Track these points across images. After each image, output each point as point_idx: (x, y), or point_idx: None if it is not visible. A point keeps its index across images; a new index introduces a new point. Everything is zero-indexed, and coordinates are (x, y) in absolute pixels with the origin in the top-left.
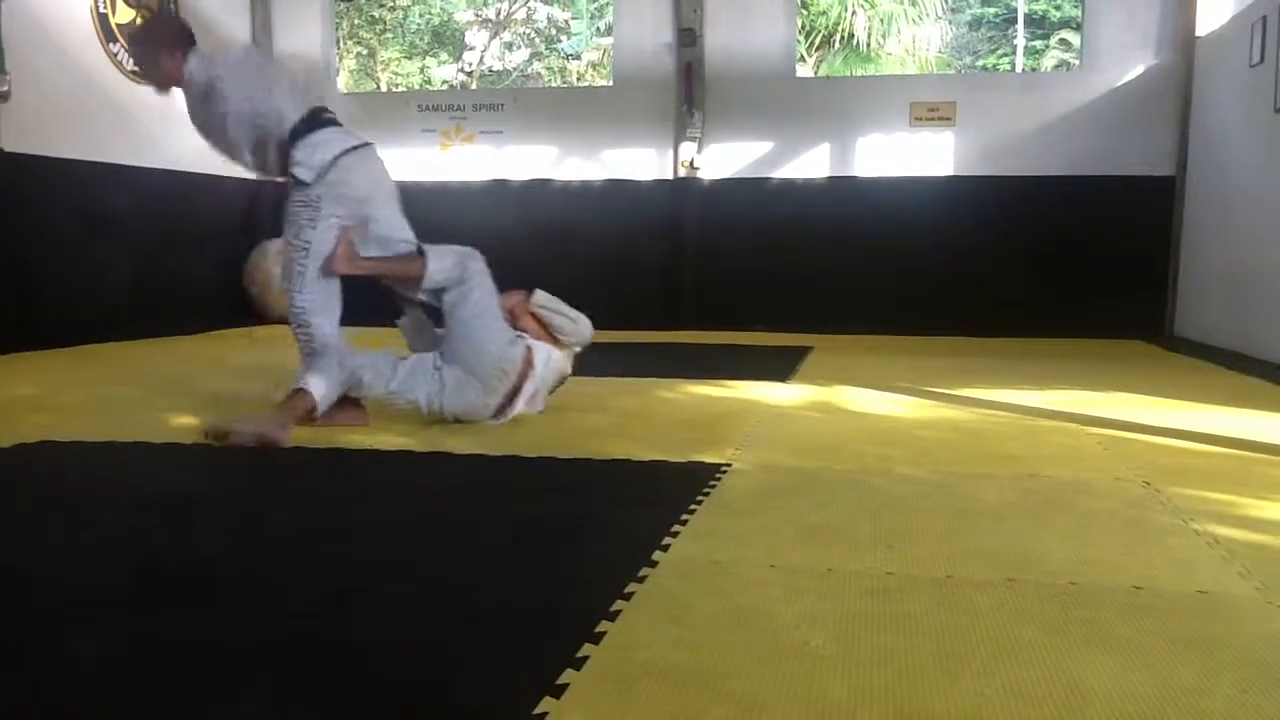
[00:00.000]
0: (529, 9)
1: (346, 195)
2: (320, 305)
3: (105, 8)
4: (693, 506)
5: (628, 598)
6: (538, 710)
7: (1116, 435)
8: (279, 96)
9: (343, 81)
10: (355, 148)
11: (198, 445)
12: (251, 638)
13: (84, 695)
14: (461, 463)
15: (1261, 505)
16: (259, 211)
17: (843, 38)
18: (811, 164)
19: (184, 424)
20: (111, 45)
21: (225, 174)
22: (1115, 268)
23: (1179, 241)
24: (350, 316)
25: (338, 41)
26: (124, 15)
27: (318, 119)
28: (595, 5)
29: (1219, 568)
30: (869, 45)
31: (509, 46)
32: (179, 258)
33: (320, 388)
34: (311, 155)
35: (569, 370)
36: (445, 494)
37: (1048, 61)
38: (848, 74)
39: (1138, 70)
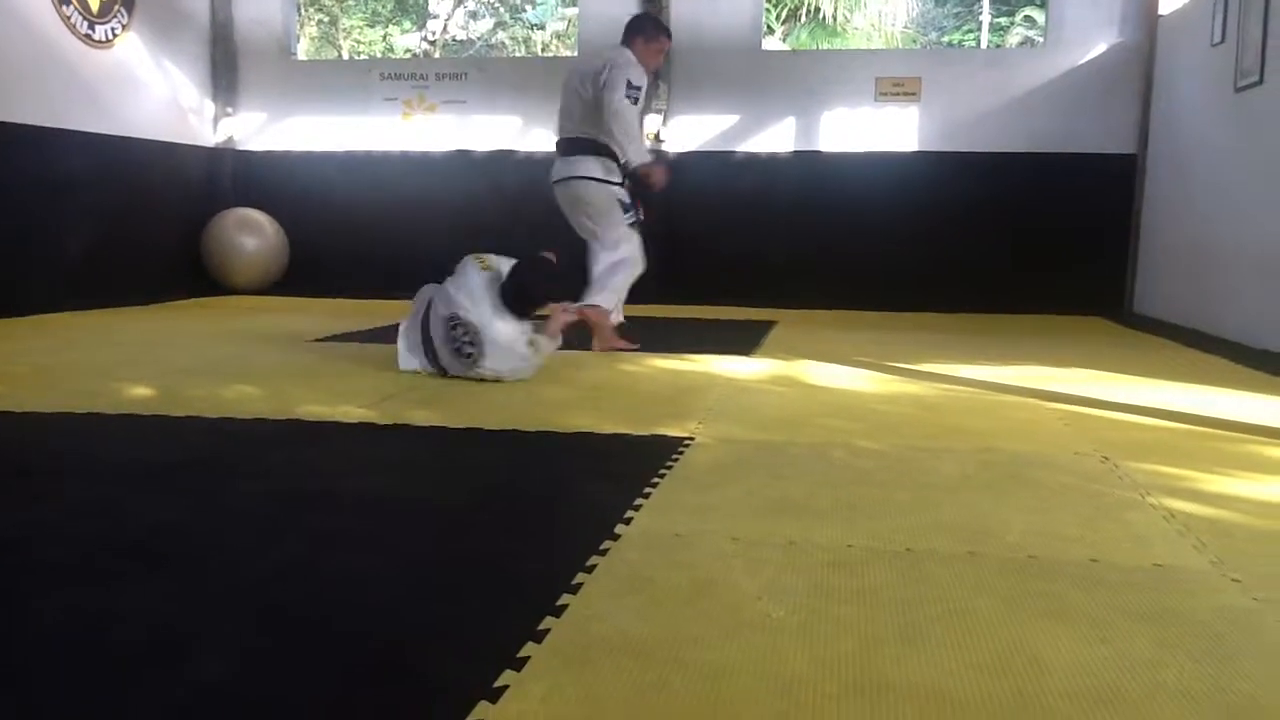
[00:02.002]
0: None
1: None
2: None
3: None
4: (655, 479)
5: (589, 570)
6: (498, 683)
7: (1075, 410)
8: None
9: (303, 49)
10: None
11: (154, 416)
12: (207, 608)
13: (39, 665)
14: (423, 435)
15: (1217, 480)
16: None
17: (809, 11)
18: (777, 138)
19: (139, 394)
20: (65, 8)
21: (181, 141)
22: (1076, 244)
23: (1140, 219)
24: None
25: (298, 8)
26: None
27: None
28: None
29: (1175, 541)
30: (836, 19)
31: (473, 15)
32: (135, 225)
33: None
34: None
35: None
36: (406, 465)
37: (1012, 38)
38: (814, 48)
39: (1101, 48)
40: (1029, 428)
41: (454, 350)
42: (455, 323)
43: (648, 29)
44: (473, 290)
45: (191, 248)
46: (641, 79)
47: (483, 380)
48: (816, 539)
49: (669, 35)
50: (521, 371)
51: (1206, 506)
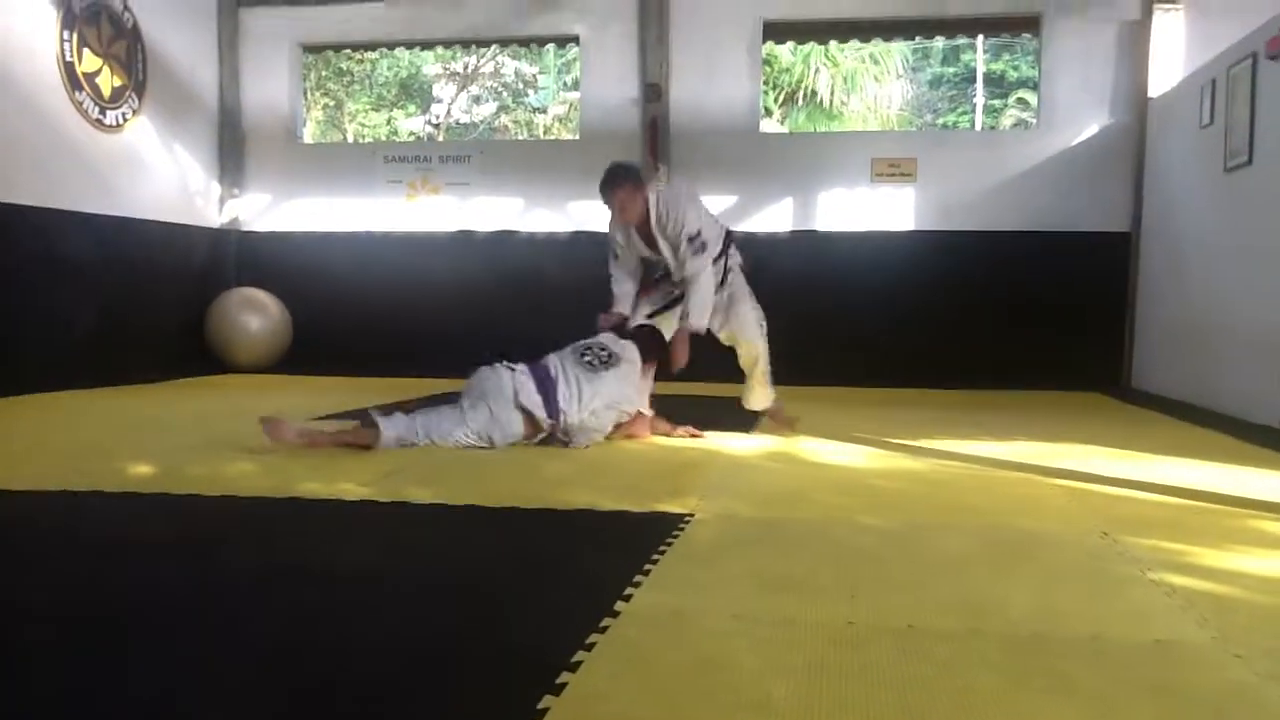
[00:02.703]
0: (497, 63)
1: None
2: None
3: (72, 56)
4: (655, 556)
5: (589, 648)
6: None
7: (1075, 486)
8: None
9: (309, 133)
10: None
11: (154, 494)
12: (201, 685)
13: None
14: (422, 512)
15: (1217, 555)
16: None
17: (806, 94)
18: (775, 218)
19: (141, 473)
20: (77, 93)
21: (186, 223)
22: (1073, 321)
23: (1135, 296)
24: None
25: (305, 92)
26: (90, 64)
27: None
28: (563, 60)
29: (1176, 617)
30: (832, 102)
31: (476, 99)
32: (138, 306)
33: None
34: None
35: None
36: (405, 542)
37: (1006, 120)
38: (811, 130)
39: (1093, 129)
40: (1029, 504)
41: (583, 361)
42: (591, 345)
43: (634, 178)
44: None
45: (195, 327)
46: (613, 231)
47: (492, 447)
48: (817, 616)
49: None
50: (596, 434)
51: (1208, 582)
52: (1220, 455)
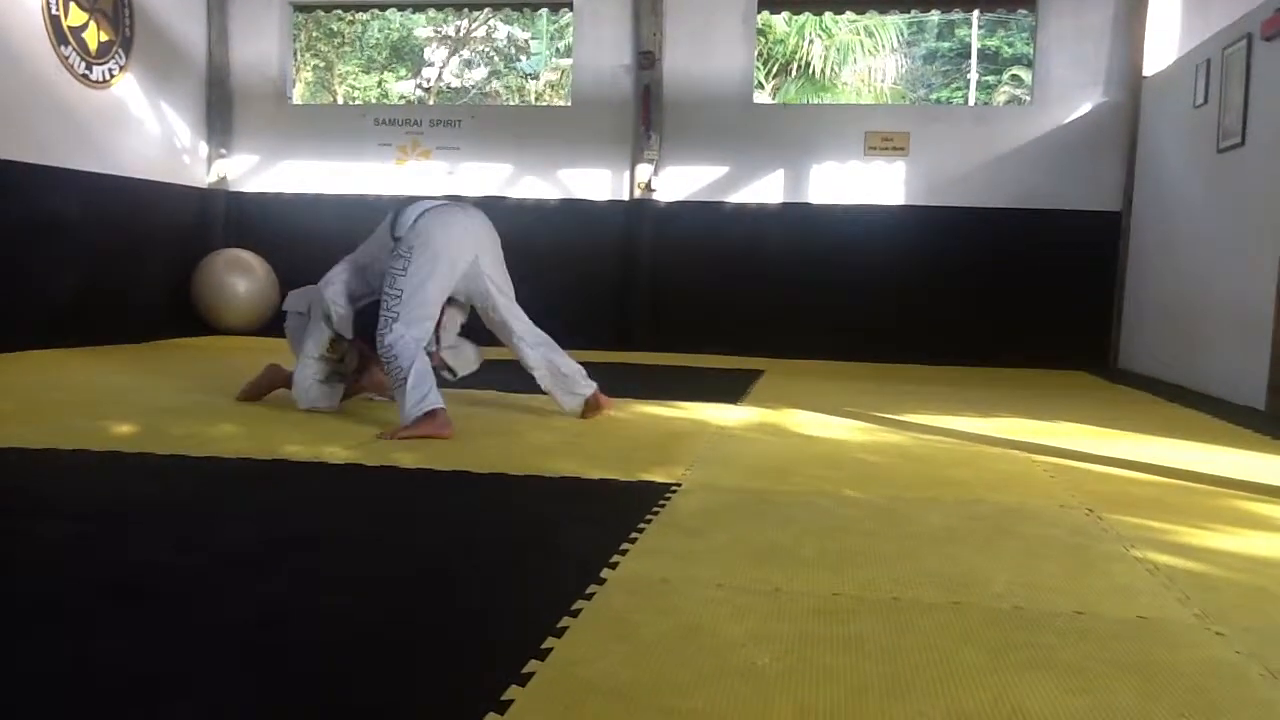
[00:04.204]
0: (489, 28)
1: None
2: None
3: (58, 9)
4: (642, 525)
5: (575, 615)
6: None
7: (1060, 463)
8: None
9: (298, 94)
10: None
11: (138, 454)
12: (187, 650)
13: (14, 708)
14: (410, 477)
15: (1200, 534)
16: None
17: (799, 66)
18: (766, 190)
19: (124, 432)
20: (63, 48)
21: (173, 182)
22: (1061, 300)
23: (1124, 275)
24: None
25: (295, 53)
26: (76, 18)
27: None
28: (555, 26)
29: (1159, 594)
30: (825, 74)
31: (468, 64)
32: (124, 265)
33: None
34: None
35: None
36: (392, 507)
37: (1000, 97)
38: (804, 102)
39: (1086, 107)
40: (1014, 480)
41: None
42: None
43: None
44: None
45: (182, 288)
46: None
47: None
48: (803, 587)
49: None
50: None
51: (1190, 560)
52: (1204, 435)
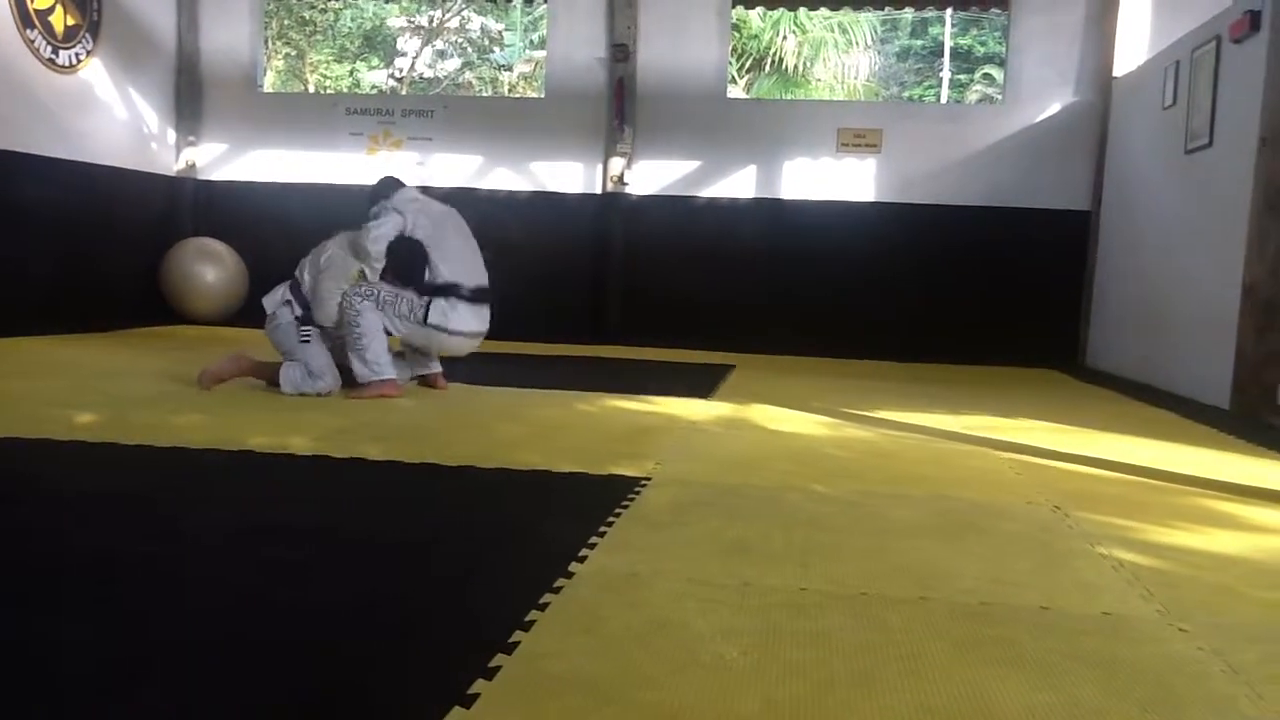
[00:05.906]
0: (462, 18)
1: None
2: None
3: None
4: (611, 519)
5: (543, 608)
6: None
7: (1028, 460)
8: None
9: (269, 82)
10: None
11: (103, 443)
12: (154, 638)
13: None
14: (377, 469)
15: (1165, 531)
16: None
17: (773, 62)
18: (738, 184)
19: (90, 421)
20: (28, 30)
21: (141, 169)
22: (1031, 298)
23: (1093, 274)
24: None
25: (266, 41)
26: (43, 1)
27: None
28: (529, 18)
29: (1123, 591)
30: (799, 70)
31: (441, 54)
32: (91, 253)
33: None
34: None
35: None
36: (359, 499)
37: (972, 95)
38: (777, 97)
39: (1056, 107)
40: (982, 476)
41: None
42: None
43: None
44: None
45: (149, 276)
46: None
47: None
48: (771, 581)
49: None
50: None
51: (1154, 558)
52: (1171, 435)
